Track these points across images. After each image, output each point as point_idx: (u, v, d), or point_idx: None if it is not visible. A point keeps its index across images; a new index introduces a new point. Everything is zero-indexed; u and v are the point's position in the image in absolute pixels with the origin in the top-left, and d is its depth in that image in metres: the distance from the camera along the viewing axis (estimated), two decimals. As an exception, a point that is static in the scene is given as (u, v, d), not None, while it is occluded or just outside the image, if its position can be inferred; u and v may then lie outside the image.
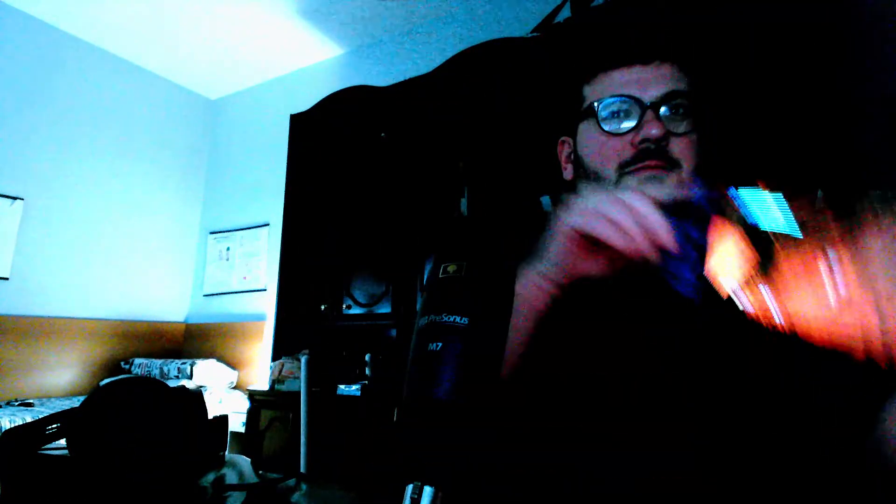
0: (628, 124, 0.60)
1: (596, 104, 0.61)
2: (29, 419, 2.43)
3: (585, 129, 0.65)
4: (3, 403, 2.74)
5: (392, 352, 2.71)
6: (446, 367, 0.40)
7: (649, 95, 0.60)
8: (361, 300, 2.70)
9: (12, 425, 0.92)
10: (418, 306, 0.45)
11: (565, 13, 2.19)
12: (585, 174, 0.65)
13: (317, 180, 3.04)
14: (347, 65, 3.62)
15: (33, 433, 0.73)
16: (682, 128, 0.60)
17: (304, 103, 3.25)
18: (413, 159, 2.63)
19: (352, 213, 2.84)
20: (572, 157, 0.68)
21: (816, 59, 1.60)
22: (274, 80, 4.03)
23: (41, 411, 2.58)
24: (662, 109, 0.59)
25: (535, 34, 2.28)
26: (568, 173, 0.71)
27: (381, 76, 3.27)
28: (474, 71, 2.47)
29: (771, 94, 1.64)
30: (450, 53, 2.62)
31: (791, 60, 1.63)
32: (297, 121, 3.22)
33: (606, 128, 0.61)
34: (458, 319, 0.41)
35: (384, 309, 2.61)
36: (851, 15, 1.84)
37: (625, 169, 0.60)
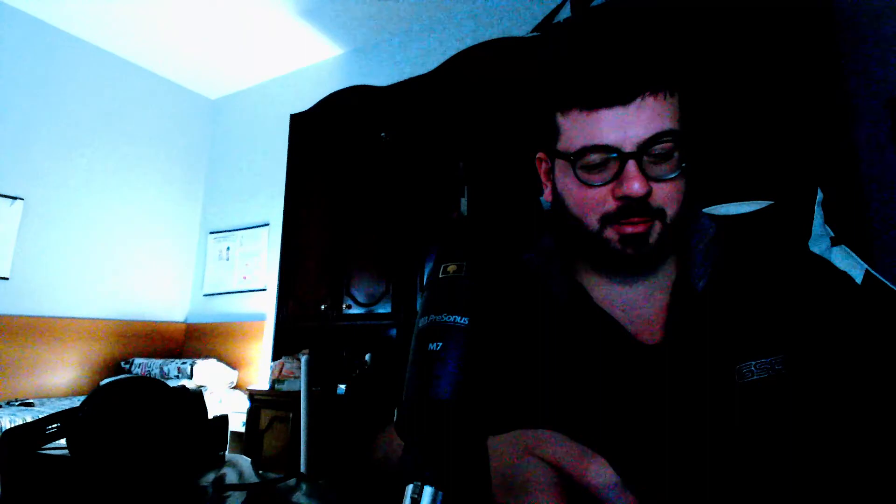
0: (607, 176, 0.54)
1: (571, 156, 0.55)
2: (29, 419, 2.43)
3: (562, 169, 0.58)
4: (3, 403, 2.74)
5: (392, 352, 2.71)
6: (446, 367, 0.40)
7: (630, 142, 0.52)
8: (361, 300, 2.70)
9: (12, 425, 0.92)
10: (418, 306, 0.45)
11: (565, 13, 2.19)
12: (566, 214, 0.59)
13: (317, 180, 3.04)
14: (347, 65, 3.62)
15: (33, 433, 0.73)
16: (667, 173, 0.54)
17: (304, 103, 3.25)
18: (413, 159, 2.64)
19: (352, 212, 2.84)
20: (552, 178, 0.62)
21: (814, 58, 1.60)
22: (274, 80, 4.03)
23: (41, 411, 2.58)
24: (645, 157, 0.53)
25: (534, 34, 2.29)
26: (548, 193, 0.64)
27: (381, 76, 3.28)
28: (474, 71, 2.47)
29: (770, 97, 1.64)
30: (450, 53, 2.62)
31: (788, 60, 1.63)
32: (297, 121, 3.22)
33: (584, 180, 0.55)
34: (458, 319, 0.41)
35: (384, 309, 2.62)
36: (848, 14, 1.84)
37: (607, 222, 0.55)
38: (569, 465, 0.37)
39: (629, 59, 0.53)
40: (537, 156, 0.64)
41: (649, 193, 0.53)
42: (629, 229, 0.54)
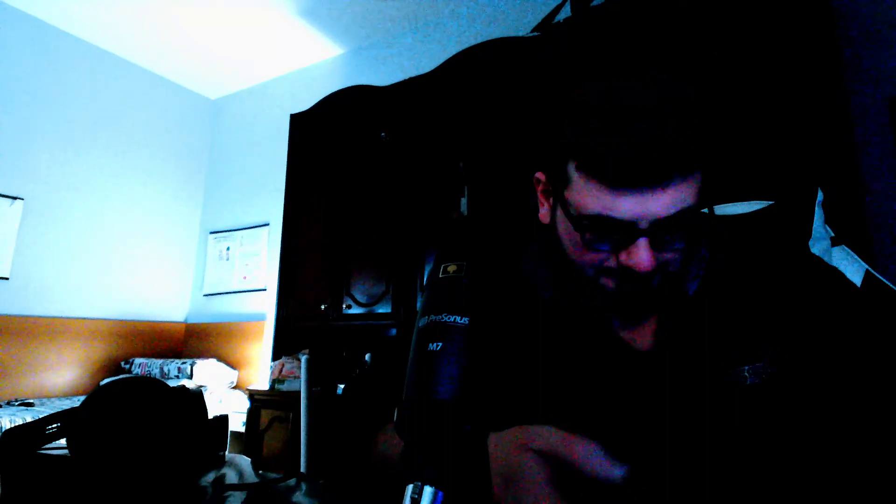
0: (615, 243, 0.51)
1: (579, 219, 0.51)
2: (29, 419, 2.43)
3: (564, 217, 0.54)
4: (3, 403, 2.74)
5: (392, 352, 2.71)
6: (446, 367, 0.40)
7: (647, 220, 0.49)
8: (361, 300, 2.70)
9: (12, 425, 0.92)
10: (418, 306, 0.45)
11: (565, 13, 2.19)
12: (561, 249, 0.57)
13: (317, 180, 3.04)
14: (347, 65, 3.62)
15: (33, 433, 0.73)
16: (676, 242, 0.51)
17: (304, 103, 3.25)
18: (413, 159, 2.63)
19: (352, 212, 2.84)
20: (551, 202, 0.59)
21: (814, 58, 1.60)
22: (274, 80, 4.03)
23: (41, 411, 2.58)
24: (660, 233, 0.50)
25: (535, 34, 2.28)
26: (544, 214, 0.61)
27: (381, 76, 3.28)
28: (474, 71, 2.47)
29: (770, 96, 1.64)
30: (450, 53, 2.62)
31: (789, 59, 1.63)
32: (297, 121, 3.22)
33: (589, 243, 0.52)
34: (458, 319, 0.41)
35: (384, 309, 2.61)
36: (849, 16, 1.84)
37: (605, 274, 0.53)
38: (560, 450, 0.38)
39: (664, 143, 0.47)
40: (535, 176, 0.61)
41: (656, 265, 0.51)
42: (627, 288, 0.53)
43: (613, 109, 0.49)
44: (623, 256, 0.51)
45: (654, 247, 0.50)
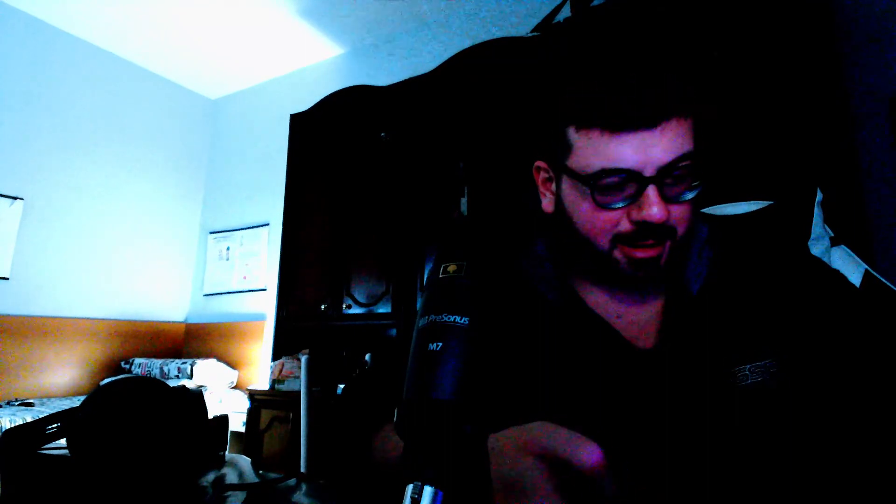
0: (625, 199, 0.52)
1: (588, 178, 0.53)
2: (29, 419, 2.43)
3: (571, 186, 0.56)
4: (3, 403, 2.74)
5: (392, 352, 2.71)
6: (446, 367, 0.39)
7: (651, 166, 0.51)
8: (361, 300, 2.70)
9: (12, 425, 0.92)
10: (418, 306, 0.45)
11: (565, 13, 2.19)
12: (572, 229, 0.57)
13: (317, 180, 3.04)
14: (347, 65, 3.62)
15: (33, 433, 0.73)
16: (684, 194, 0.53)
17: (304, 103, 3.25)
18: (413, 159, 2.64)
19: (352, 212, 2.84)
20: (553, 189, 0.60)
21: (814, 58, 1.60)
22: (274, 80, 4.03)
23: (41, 411, 2.58)
24: (667, 180, 0.51)
25: (535, 34, 2.28)
26: (548, 203, 0.61)
27: (381, 76, 3.28)
28: (474, 71, 2.47)
29: (769, 96, 1.64)
30: (450, 53, 2.62)
31: (789, 59, 1.63)
32: (297, 121, 3.22)
33: (600, 202, 0.53)
34: (458, 319, 0.41)
35: (384, 309, 2.61)
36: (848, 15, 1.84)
37: (619, 242, 0.54)
38: (560, 451, 0.37)
39: (659, 81, 0.51)
40: (535, 164, 0.62)
41: (668, 217, 0.52)
42: (640, 254, 0.54)
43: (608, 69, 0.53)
44: (634, 212, 0.52)
45: (664, 197, 0.51)
